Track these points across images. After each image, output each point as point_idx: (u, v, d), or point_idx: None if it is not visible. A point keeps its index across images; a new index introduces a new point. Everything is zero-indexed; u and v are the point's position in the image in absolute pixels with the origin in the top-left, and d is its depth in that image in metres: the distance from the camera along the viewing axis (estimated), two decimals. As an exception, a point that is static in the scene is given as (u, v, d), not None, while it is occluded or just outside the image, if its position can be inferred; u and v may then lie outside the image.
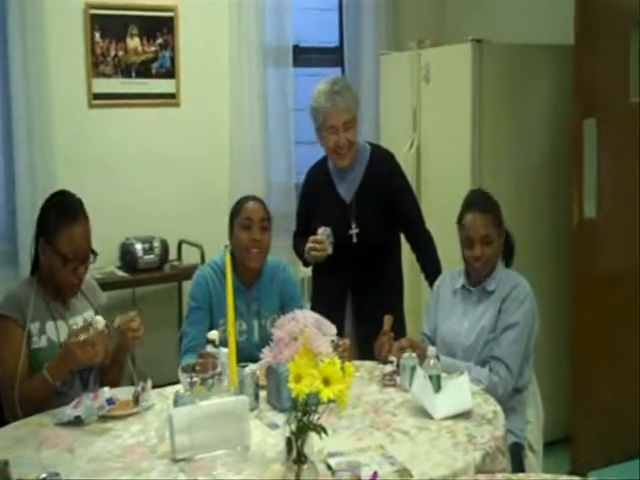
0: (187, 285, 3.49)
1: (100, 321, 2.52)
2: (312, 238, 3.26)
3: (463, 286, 2.93)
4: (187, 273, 3.37)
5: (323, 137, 3.31)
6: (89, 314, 2.80)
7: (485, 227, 2.84)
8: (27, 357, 2.61)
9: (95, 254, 2.70)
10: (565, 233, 3.95)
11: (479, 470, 2.10)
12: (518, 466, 2.58)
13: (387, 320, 2.84)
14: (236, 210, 3.13)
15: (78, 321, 2.75)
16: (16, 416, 2.50)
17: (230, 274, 2.45)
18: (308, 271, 3.69)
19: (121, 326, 2.63)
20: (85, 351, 2.47)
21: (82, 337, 2.49)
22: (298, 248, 3.48)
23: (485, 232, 2.84)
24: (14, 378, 2.55)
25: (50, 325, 2.69)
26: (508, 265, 2.93)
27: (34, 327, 2.65)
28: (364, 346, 3.08)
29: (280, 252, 3.99)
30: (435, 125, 4.28)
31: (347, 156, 3.32)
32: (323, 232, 3.24)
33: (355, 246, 3.31)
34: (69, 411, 2.39)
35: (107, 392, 2.44)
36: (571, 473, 2.04)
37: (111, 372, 2.72)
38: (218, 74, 4.63)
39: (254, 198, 3.18)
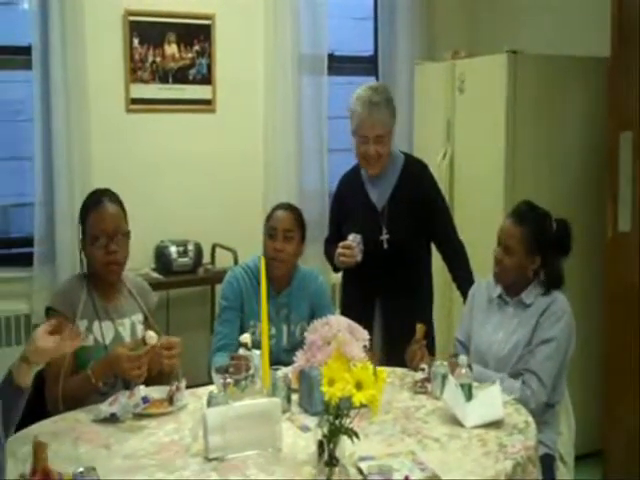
0: (220, 288, 3.51)
1: (153, 338, 2.56)
2: (342, 244, 3.28)
3: (500, 296, 2.92)
4: (220, 277, 3.40)
5: (355, 141, 3.35)
6: (137, 317, 2.85)
7: (510, 237, 2.82)
8: (73, 354, 2.66)
9: (127, 233, 2.76)
10: (599, 246, 3.93)
11: (510, 479, 2.10)
12: (549, 477, 2.57)
13: (419, 329, 2.85)
14: (268, 217, 3.20)
15: (125, 323, 2.80)
16: (57, 411, 2.55)
17: (265, 279, 2.48)
18: (338, 277, 3.71)
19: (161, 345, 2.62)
20: (131, 366, 2.52)
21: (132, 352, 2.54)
22: (328, 253, 3.50)
23: (507, 241, 2.83)
24: (59, 373, 2.60)
25: (96, 325, 2.74)
26: (546, 292, 2.84)
27: (82, 324, 2.70)
28: (393, 353, 3.09)
29: (312, 259, 4.03)
30: (469, 136, 4.29)
31: (375, 166, 3.34)
32: (353, 239, 3.26)
33: (386, 252, 3.33)
34: (105, 408, 2.44)
35: (142, 390, 2.47)
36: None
37: (159, 380, 2.72)
38: (253, 81, 4.67)
39: (286, 207, 3.23)
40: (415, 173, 3.43)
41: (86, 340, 2.65)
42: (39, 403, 2.67)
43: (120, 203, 2.80)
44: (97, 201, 2.75)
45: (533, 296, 2.83)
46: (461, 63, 4.35)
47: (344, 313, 2.97)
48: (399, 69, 5.00)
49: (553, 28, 4.58)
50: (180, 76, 4.52)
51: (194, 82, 4.56)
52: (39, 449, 1.50)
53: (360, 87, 3.38)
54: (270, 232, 3.13)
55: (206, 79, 4.59)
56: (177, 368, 2.68)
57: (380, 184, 3.40)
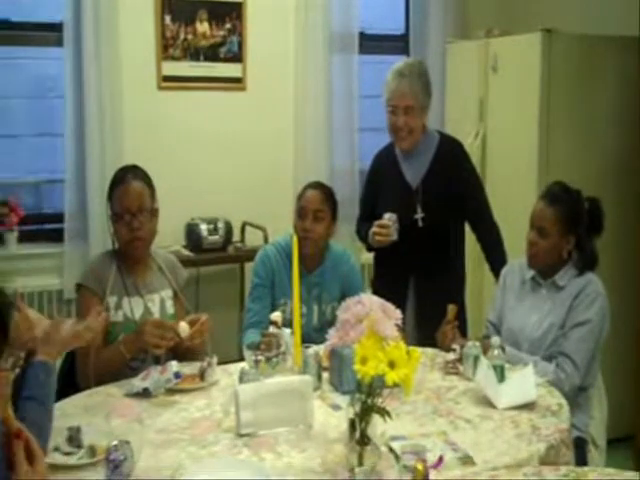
0: (249, 266, 3.52)
1: (184, 328, 2.57)
2: (378, 223, 3.27)
3: (533, 278, 2.89)
4: (250, 255, 3.41)
5: (387, 113, 3.33)
6: (167, 293, 2.86)
7: (543, 219, 2.78)
8: (104, 329, 2.68)
9: (154, 211, 2.77)
10: (635, 226, 3.88)
11: (543, 461, 2.08)
12: (581, 460, 2.55)
13: (451, 309, 2.83)
14: (299, 196, 3.20)
15: (155, 299, 2.82)
16: (88, 385, 2.57)
17: (297, 257, 2.48)
18: (370, 257, 3.70)
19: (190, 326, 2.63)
20: (153, 332, 2.54)
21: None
22: (362, 232, 3.48)
23: (540, 223, 2.79)
24: (90, 348, 2.62)
25: (126, 301, 2.76)
26: (580, 273, 2.80)
27: (112, 301, 2.72)
28: (425, 333, 3.08)
29: (342, 238, 4.02)
30: (502, 115, 4.24)
31: (406, 140, 3.32)
32: (390, 218, 3.24)
33: (420, 231, 3.31)
34: (137, 383, 2.46)
35: (175, 366, 2.49)
36: (634, 471, 2.01)
37: (188, 356, 2.74)
38: (284, 60, 4.65)
39: (317, 186, 3.21)
40: (450, 152, 3.40)
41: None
42: (71, 379, 2.69)
43: (146, 179, 2.79)
44: (122, 178, 2.75)
45: (567, 278, 2.80)
46: (494, 42, 4.30)
47: (376, 293, 2.97)
48: (431, 48, 4.95)
49: (587, 6, 4.49)
50: (211, 54, 4.51)
51: (225, 60, 4.55)
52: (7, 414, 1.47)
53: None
54: (300, 211, 3.13)
55: (237, 57, 4.57)
56: (206, 344, 2.68)
57: (415, 162, 3.38)
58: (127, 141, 4.23)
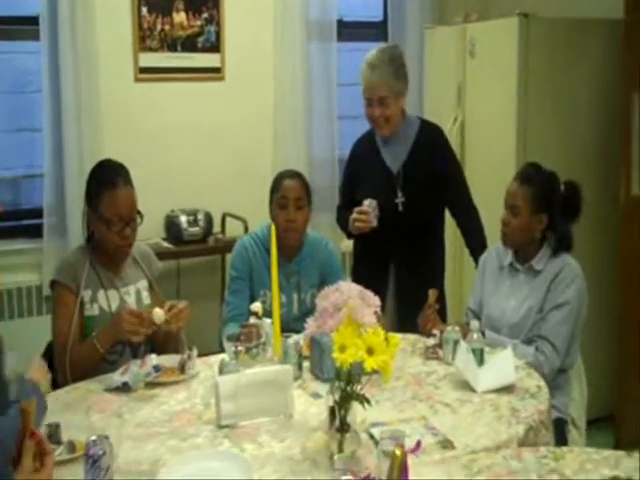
0: (230, 258, 3.50)
1: (159, 315, 2.55)
2: (357, 209, 3.27)
3: (511, 263, 2.90)
4: (230, 246, 3.39)
5: (364, 103, 3.33)
6: (142, 284, 2.85)
7: (515, 197, 2.81)
8: (80, 324, 2.67)
9: (141, 215, 2.74)
10: (612, 210, 3.90)
11: (522, 443, 2.10)
12: (561, 441, 2.57)
13: (431, 294, 2.84)
14: (275, 187, 3.16)
15: (130, 290, 2.81)
16: (66, 382, 2.56)
17: (275, 247, 2.47)
18: (349, 245, 3.70)
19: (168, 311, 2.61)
20: (130, 321, 2.52)
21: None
22: (341, 220, 3.48)
23: (513, 202, 2.81)
24: (66, 343, 2.62)
25: (101, 294, 2.74)
26: (555, 254, 2.82)
27: (86, 295, 2.71)
28: (405, 320, 3.09)
29: (322, 227, 4.02)
30: (480, 100, 4.25)
31: (384, 127, 3.33)
32: (369, 204, 3.24)
33: (401, 216, 3.31)
34: (117, 377, 2.45)
35: (154, 359, 2.48)
36: (614, 450, 2.03)
37: (168, 345, 2.75)
38: (262, 49, 4.63)
39: (292, 175, 3.19)
40: (431, 137, 3.42)
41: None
42: (51, 374, 2.68)
43: (130, 180, 2.76)
44: (112, 182, 2.68)
45: (544, 262, 2.81)
46: (472, 27, 4.30)
47: (356, 280, 2.97)
48: (409, 34, 4.95)
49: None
50: (189, 44, 4.48)
51: (203, 50, 4.53)
52: (30, 410, 1.50)
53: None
54: (281, 202, 3.09)
55: (215, 47, 4.55)
56: (182, 335, 2.67)
57: (395, 148, 3.38)
58: (105, 134, 4.20)
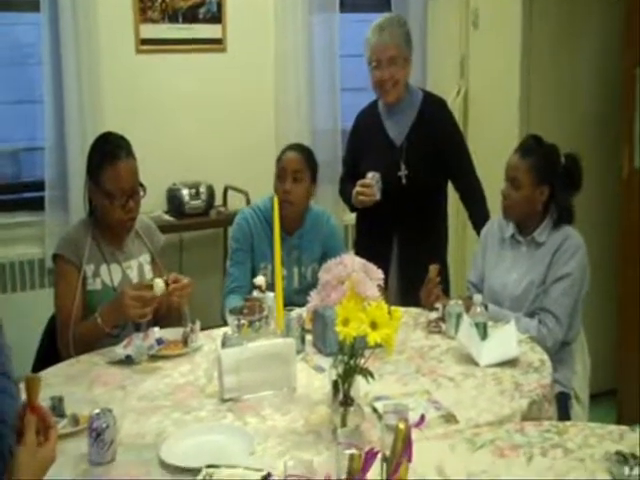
0: (232, 227, 3.49)
1: (160, 285, 2.54)
2: (360, 182, 3.25)
3: (512, 236, 2.89)
4: (232, 219, 3.37)
5: (370, 71, 3.31)
6: (145, 258, 2.84)
7: (516, 169, 2.79)
8: (82, 298, 2.67)
9: (144, 188, 2.73)
10: (614, 183, 3.88)
11: (525, 417, 2.10)
12: (564, 415, 2.57)
13: (432, 269, 2.83)
14: (278, 158, 3.17)
15: (133, 265, 2.80)
16: (69, 356, 2.56)
17: (277, 219, 2.46)
18: (352, 218, 3.69)
19: (168, 282, 2.60)
20: (133, 304, 2.51)
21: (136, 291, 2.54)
22: (345, 193, 3.47)
23: (514, 174, 2.79)
24: (69, 318, 2.61)
25: (104, 268, 2.74)
26: (556, 226, 2.81)
27: (89, 269, 2.70)
28: (408, 293, 3.08)
29: (325, 199, 4.00)
30: (483, 72, 4.22)
31: (391, 92, 3.31)
32: (372, 177, 3.22)
33: (404, 188, 3.30)
34: (120, 350, 2.45)
35: (157, 332, 2.48)
36: (616, 424, 2.04)
37: (169, 317, 2.74)
38: (264, 19, 4.58)
39: (295, 147, 3.18)
40: (434, 109, 3.40)
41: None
42: (53, 348, 2.69)
43: (133, 153, 2.73)
44: (113, 155, 2.66)
45: (546, 234, 2.80)
46: (475, -3, 4.26)
47: (359, 253, 2.97)
48: (412, 4, 4.86)
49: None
50: (190, 15, 4.43)
51: (204, 21, 4.48)
52: (33, 385, 1.50)
53: None
54: (279, 173, 3.10)
55: (216, 18, 4.50)
56: (185, 309, 2.67)
57: (398, 120, 3.36)
58: (106, 106, 4.17)
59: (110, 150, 2.69)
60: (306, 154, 3.16)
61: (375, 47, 3.26)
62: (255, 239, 3.12)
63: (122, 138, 2.76)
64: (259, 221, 3.14)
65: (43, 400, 2.01)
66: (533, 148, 2.82)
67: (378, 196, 3.24)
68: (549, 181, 2.78)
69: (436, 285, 2.81)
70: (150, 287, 2.55)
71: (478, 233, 3.18)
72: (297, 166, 3.09)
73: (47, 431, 1.50)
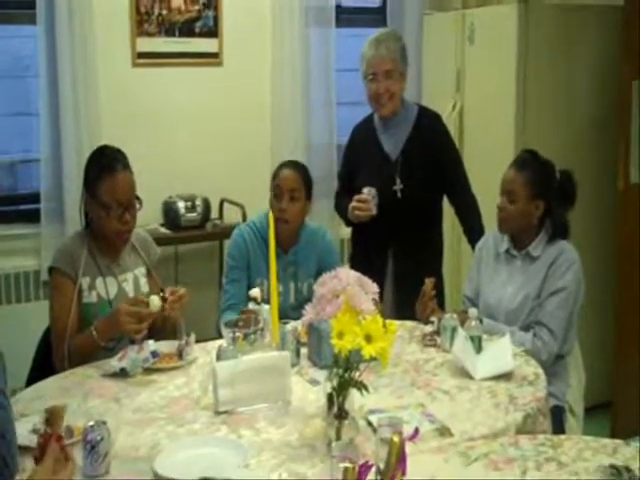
0: (228, 244, 3.50)
1: (156, 303, 2.54)
2: (357, 197, 3.26)
3: (507, 250, 2.90)
4: (228, 232, 3.39)
5: (366, 85, 3.33)
6: (140, 271, 2.84)
7: (512, 183, 2.80)
8: (78, 311, 2.67)
9: (140, 201, 2.73)
10: (609, 197, 3.90)
11: (520, 431, 2.10)
12: (559, 428, 2.58)
13: (428, 282, 2.84)
14: (273, 175, 3.16)
15: (128, 278, 2.80)
16: (64, 368, 2.56)
17: (273, 234, 2.47)
18: (348, 232, 3.69)
19: (166, 297, 2.60)
20: (129, 320, 2.51)
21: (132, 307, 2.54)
22: (340, 207, 3.48)
23: (509, 187, 2.81)
24: (65, 331, 2.61)
25: (100, 281, 2.73)
26: (551, 240, 2.82)
27: (85, 282, 2.70)
28: (403, 307, 3.08)
29: (320, 214, 4.01)
30: (479, 87, 4.23)
31: (387, 105, 3.33)
32: (369, 192, 3.23)
33: (399, 203, 3.31)
34: (114, 363, 2.44)
35: (152, 345, 2.48)
36: (611, 438, 2.04)
37: (164, 330, 2.74)
38: (260, 34, 4.60)
39: (291, 165, 3.17)
40: (429, 123, 3.41)
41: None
42: (48, 360, 2.68)
43: (129, 166, 2.74)
44: (110, 168, 2.67)
45: (541, 248, 2.81)
46: (471, 13, 4.29)
47: (354, 267, 2.98)
48: (408, 20, 4.91)
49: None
50: (186, 29, 4.45)
51: (200, 35, 4.50)
52: (58, 413, 1.52)
53: None
54: (275, 191, 3.09)
55: (213, 32, 4.52)
56: (180, 322, 2.67)
57: (394, 134, 3.38)
58: (103, 119, 4.18)
59: (107, 163, 2.70)
60: (302, 172, 3.16)
61: (372, 60, 3.29)
62: (251, 256, 3.11)
63: (119, 151, 2.77)
64: (255, 238, 3.13)
65: (38, 412, 2.03)
66: (529, 162, 2.84)
67: (374, 211, 3.25)
68: (544, 196, 2.80)
69: (432, 298, 2.82)
70: (146, 303, 2.55)
71: (473, 247, 3.19)
72: (293, 185, 3.09)
73: (65, 462, 1.51)
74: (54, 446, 1.49)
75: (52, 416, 1.51)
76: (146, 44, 4.36)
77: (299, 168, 3.18)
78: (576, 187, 2.83)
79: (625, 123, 3.75)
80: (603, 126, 4.06)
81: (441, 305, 3.06)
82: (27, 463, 1.79)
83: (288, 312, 2.90)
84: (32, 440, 1.93)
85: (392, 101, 3.31)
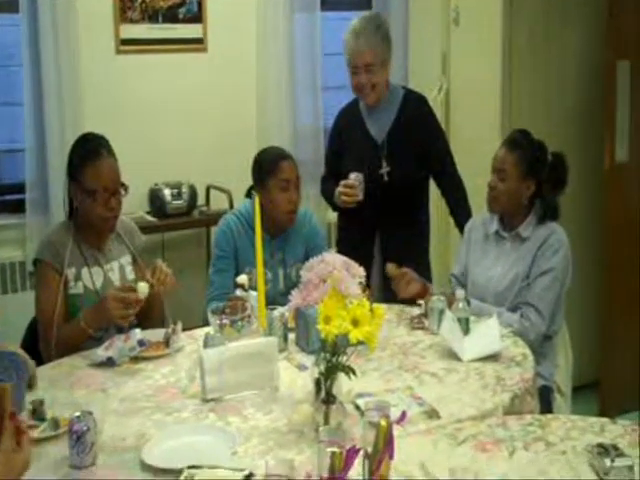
0: (215, 230, 3.49)
1: (144, 289, 2.53)
2: (343, 183, 3.25)
3: (497, 231, 2.90)
4: (215, 218, 3.37)
5: (349, 74, 3.31)
6: (126, 259, 2.83)
7: (503, 162, 2.80)
8: (64, 302, 2.65)
9: (125, 187, 2.72)
10: (596, 177, 3.90)
11: (508, 411, 2.10)
12: (547, 408, 2.58)
13: (390, 267, 2.87)
14: (271, 169, 3.05)
15: (114, 266, 2.78)
16: (50, 358, 2.55)
17: (259, 220, 2.45)
18: (335, 216, 3.68)
19: (149, 280, 2.59)
20: (117, 306, 2.50)
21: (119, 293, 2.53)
22: (327, 192, 3.46)
23: (501, 166, 2.80)
24: (51, 323, 2.60)
25: (85, 271, 2.72)
26: (541, 221, 2.82)
27: (70, 273, 2.68)
28: (391, 291, 3.07)
29: (307, 199, 3.99)
30: (465, 69, 4.22)
31: (370, 95, 3.31)
32: (355, 177, 3.22)
33: (385, 185, 3.30)
34: (101, 352, 2.44)
35: (138, 334, 2.47)
36: (598, 417, 2.05)
37: (150, 317, 2.74)
38: (245, 19, 4.57)
39: (285, 155, 3.12)
40: (415, 106, 3.40)
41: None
42: (35, 351, 2.67)
43: (113, 152, 2.73)
44: (95, 153, 2.66)
45: (530, 229, 2.81)
46: (456, -6, 4.26)
47: (341, 251, 2.97)
48: (393, 2, 4.86)
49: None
50: (170, 15, 4.41)
51: (184, 21, 4.46)
52: (5, 393, 1.49)
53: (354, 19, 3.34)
54: (283, 185, 3.01)
55: (197, 17, 4.48)
56: (166, 311, 2.66)
57: (379, 117, 3.37)
58: (87, 107, 4.14)
59: (91, 149, 2.68)
60: (293, 158, 3.13)
61: (352, 53, 3.26)
62: (239, 246, 3.08)
63: (102, 138, 2.75)
64: (242, 226, 3.09)
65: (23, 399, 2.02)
66: (520, 141, 2.83)
67: (361, 196, 3.24)
68: (535, 176, 2.80)
69: (403, 275, 2.81)
70: (134, 290, 2.54)
71: (460, 230, 3.19)
72: (297, 173, 3.06)
73: (20, 437, 1.49)
74: (9, 425, 1.47)
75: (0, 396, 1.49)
76: (129, 31, 4.33)
77: (291, 156, 3.14)
78: (568, 170, 2.83)
79: (610, 103, 3.75)
80: (589, 106, 4.05)
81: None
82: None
83: (277, 298, 2.88)
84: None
85: (375, 91, 3.30)
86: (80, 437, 1.83)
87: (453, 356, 2.42)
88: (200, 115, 4.51)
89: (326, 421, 1.95)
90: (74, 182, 2.69)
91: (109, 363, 2.42)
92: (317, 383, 1.99)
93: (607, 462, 1.70)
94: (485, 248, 2.93)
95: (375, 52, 3.25)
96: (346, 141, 3.45)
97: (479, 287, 2.86)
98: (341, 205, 3.33)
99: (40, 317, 2.68)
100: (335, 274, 1.96)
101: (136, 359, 2.46)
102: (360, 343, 1.91)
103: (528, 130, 2.89)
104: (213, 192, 4.44)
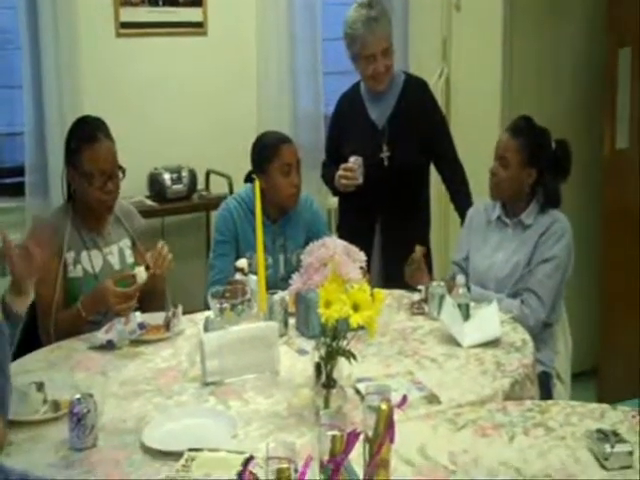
0: (215, 215, 3.48)
1: (142, 275, 2.54)
2: (343, 166, 3.25)
3: (499, 218, 2.89)
4: (215, 203, 3.37)
5: (360, 64, 3.29)
6: (125, 243, 2.83)
7: (506, 149, 2.79)
8: (63, 286, 2.65)
9: (123, 170, 2.71)
10: (597, 164, 3.89)
11: (507, 397, 2.11)
12: (546, 394, 2.59)
13: (419, 250, 2.85)
14: (271, 154, 3.03)
15: (113, 250, 2.78)
16: (50, 343, 2.55)
17: (259, 204, 2.44)
18: (335, 202, 3.68)
19: (148, 265, 2.61)
20: (118, 301, 2.52)
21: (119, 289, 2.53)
22: (327, 176, 3.46)
23: (503, 153, 2.80)
24: (50, 307, 2.60)
25: (84, 255, 2.72)
26: (543, 209, 2.82)
27: (69, 256, 2.69)
28: (391, 276, 3.09)
29: (307, 183, 3.97)
30: (465, 54, 4.21)
31: (384, 81, 3.31)
32: (355, 161, 3.22)
33: (386, 170, 3.29)
34: (101, 335, 2.44)
35: (138, 317, 2.47)
36: (597, 403, 2.05)
37: (153, 301, 2.74)
38: (245, 2, 4.54)
39: (285, 139, 3.11)
40: (416, 91, 3.40)
41: None
42: (34, 334, 2.67)
43: (111, 135, 2.72)
44: (92, 136, 2.66)
45: (533, 217, 2.81)
46: (457, -21, 4.24)
47: (342, 236, 2.97)
48: (394, -14, 4.86)
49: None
50: (170, -2, 4.39)
51: (185, 4, 4.43)
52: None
53: (350, 9, 3.30)
54: (285, 169, 3.00)
55: (197, 1, 4.45)
56: (166, 293, 2.66)
57: (380, 102, 3.36)
58: (86, 91, 4.12)
59: (88, 131, 2.68)
60: (293, 142, 3.12)
61: (367, 41, 3.21)
62: (240, 230, 3.07)
63: (99, 120, 2.75)
64: (242, 211, 3.08)
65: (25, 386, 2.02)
66: (523, 128, 2.83)
67: (361, 180, 3.23)
68: (537, 164, 2.79)
69: (420, 265, 2.81)
70: (132, 276, 2.54)
71: (461, 216, 3.19)
72: (298, 157, 3.05)
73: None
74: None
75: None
76: (130, 14, 4.29)
77: (290, 140, 3.13)
78: (571, 158, 2.82)
79: (611, 90, 3.74)
80: (589, 93, 4.04)
81: (429, 272, 3.05)
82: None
83: (278, 284, 2.88)
84: (18, 414, 1.94)
85: (388, 75, 3.30)
86: (81, 419, 1.83)
87: (453, 342, 2.43)
88: (200, 99, 4.49)
89: (326, 405, 1.95)
90: (71, 165, 2.69)
91: (109, 346, 2.42)
92: (317, 367, 1.99)
93: (607, 448, 1.70)
94: (487, 234, 2.93)
95: (388, 34, 3.26)
96: (347, 126, 3.44)
97: (480, 273, 2.86)
98: (341, 189, 3.33)
99: (39, 301, 2.66)
100: (336, 258, 1.96)
101: (136, 342, 2.46)
102: (360, 328, 1.91)
103: (531, 117, 2.88)
104: (213, 177, 4.43)
